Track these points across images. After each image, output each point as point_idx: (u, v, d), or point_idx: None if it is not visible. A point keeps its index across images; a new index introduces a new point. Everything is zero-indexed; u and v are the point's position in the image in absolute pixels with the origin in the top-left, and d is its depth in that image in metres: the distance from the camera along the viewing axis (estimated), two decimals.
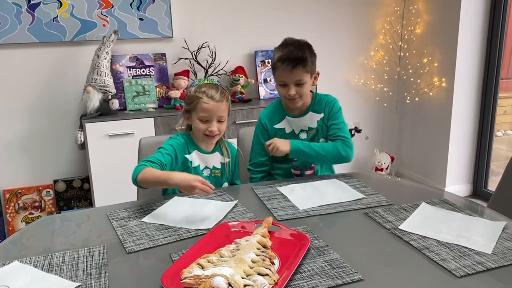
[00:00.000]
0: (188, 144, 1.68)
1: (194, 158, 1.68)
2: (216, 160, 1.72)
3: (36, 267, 1.14)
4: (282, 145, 1.71)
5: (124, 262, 1.18)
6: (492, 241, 1.22)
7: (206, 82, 1.66)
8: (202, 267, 1.03)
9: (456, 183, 3.47)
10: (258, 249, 1.12)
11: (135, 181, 1.49)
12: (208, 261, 1.05)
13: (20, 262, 1.16)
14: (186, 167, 1.66)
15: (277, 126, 1.86)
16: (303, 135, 1.85)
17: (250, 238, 1.17)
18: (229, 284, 0.94)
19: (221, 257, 1.08)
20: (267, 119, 1.87)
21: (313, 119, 1.84)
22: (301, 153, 1.74)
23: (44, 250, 1.25)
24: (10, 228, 2.92)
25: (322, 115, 1.85)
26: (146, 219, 1.42)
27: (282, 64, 1.70)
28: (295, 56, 1.69)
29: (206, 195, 1.52)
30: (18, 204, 2.93)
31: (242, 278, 0.98)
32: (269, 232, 1.25)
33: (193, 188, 1.39)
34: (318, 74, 1.83)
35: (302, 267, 1.11)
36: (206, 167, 1.71)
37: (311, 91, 1.86)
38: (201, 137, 1.66)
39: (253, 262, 1.05)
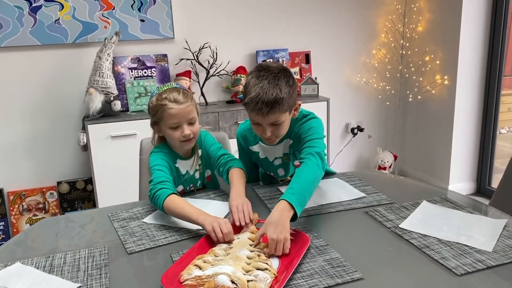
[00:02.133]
0: (170, 154, 1.63)
1: (180, 166, 1.65)
2: (196, 158, 1.69)
3: (37, 268, 1.15)
4: (280, 231, 1.18)
5: (125, 263, 1.18)
6: (493, 239, 1.21)
7: (165, 88, 1.57)
8: (200, 268, 1.03)
9: (460, 181, 3.46)
10: (250, 245, 1.12)
11: (162, 209, 1.42)
12: (204, 262, 1.06)
13: (22, 263, 1.17)
14: (178, 175, 1.64)
15: (252, 148, 1.71)
16: (278, 161, 1.69)
17: (240, 236, 1.17)
18: (232, 281, 0.95)
19: (216, 256, 1.09)
20: (242, 138, 1.72)
21: (287, 145, 1.65)
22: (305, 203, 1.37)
23: (48, 251, 1.26)
24: (15, 230, 2.93)
25: (292, 141, 1.64)
26: (147, 219, 1.43)
27: (253, 107, 1.42)
28: (269, 99, 1.40)
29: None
30: (22, 205, 2.95)
31: (243, 274, 0.98)
32: None
33: (211, 230, 1.25)
34: (299, 105, 1.56)
35: (302, 266, 1.11)
36: (196, 170, 1.69)
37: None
38: (177, 144, 1.60)
39: (248, 258, 1.06)
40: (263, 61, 3.28)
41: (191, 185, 1.71)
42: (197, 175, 1.70)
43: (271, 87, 1.41)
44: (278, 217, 1.22)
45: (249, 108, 1.46)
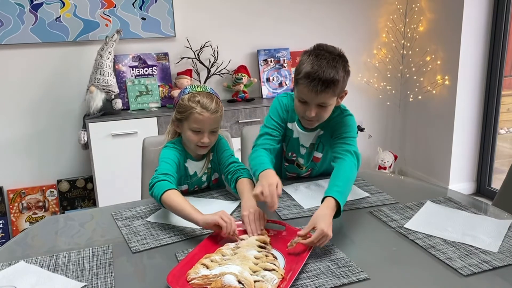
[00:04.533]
0: (182, 153, 1.62)
1: (189, 166, 1.64)
2: (207, 161, 1.69)
3: (41, 267, 1.15)
4: (329, 228, 1.20)
5: (130, 262, 1.18)
6: (498, 239, 1.21)
7: (200, 90, 1.55)
8: (207, 267, 1.03)
9: (460, 181, 3.46)
10: (258, 246, 1.12)
11: (159, 200, 1.40)
12: (212, 261, 1.05)
13: (26, 262, 1.17)
14: (186, 174, 1.64)
15: (289, 125, 1.67)
16: (303, 150, 1.69)
17: (247, 236, 1.17)
18: (239, 281, 0.94)
19: (223, 256, 1.08)
20: (285, 109, 1.64)
21: (316, 136, 1.65)
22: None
23: (49, 250, 1.25)
24: (14, 228, 2.92)
25: (322, 132, 1.63)
26: (151, 218, 1.42)
27: (308, 83, 1.40)
28: (326, 78, 1.39)
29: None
30: (22, 204, 2.94)
31: (250, 274, 0.98)
32: (275, 231, 1.25)
33: (217, 225, 1.26)
34: (345, 93, 1.54)
35: (308, 266, 1.10)
36: (204, 173, 1.68)
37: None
38: (192, 147, 1.59)
39: (256, 258, 1.05)
40: (263, 59, 3.28)
41: (196, 186, 1.70)
42: (204, 178, 1.69)
43: (330, 67, 1.40)
44: (328, 213, 1.24)
45: (302, 84, 1.43)
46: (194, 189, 1.69)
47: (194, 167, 1.65)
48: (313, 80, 1.39)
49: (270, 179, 1.33)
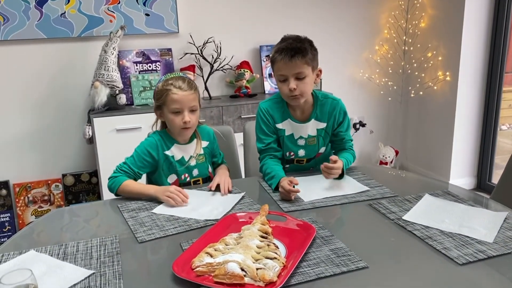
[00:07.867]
0: (165, 140, 1.69)
1: (175, 152, 1.69)
2: (197, 147, 1.74)
3: (51, 255, 1.18)
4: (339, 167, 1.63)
5: (136, 251, 1.22)
6: (494, 230, 1.24)
7: (172, 75, 1.67)
8: (211, 256, 1.06)
9: (461, 176, 3.49)
10: (260, 236, 1.16)
11: (115, 193, 1.61)
12: (216, 250, 1.09)
13: (36, 251, 1.20)
14: (169, 162, 1.68)
15: (278, 125, 1.78)
16: (301, 142, 1.79)
17: (250, 227, 1.20)
18: (242, 269, 0.98)
19: (226, 245, 1.12)
20: (269, 115, 1.78)
21: (314, 127, 1.78)
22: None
23: (55, 243, 1.27)
24: (20, 221, 2.97)
25: (324, 124, 1.78)
26: (156, 210, 1.46)
27: (280, 55, 1.63)
28: (293, 47, 1.62)
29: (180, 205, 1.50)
30: (28, 197, 2.99)
31: (253, 263, 1.02)
32: (276, 222, 1.29)
33: (167, 197, 1.51)
34: (320, 71, 1.73)
35: (309, 255, 1.14)
36: (191, 157, 1.73)
37: (312, 93, 1.77)
38: (177, 131, 1.66)
39: (258, 247, 1.09)
40: (266, 55, 3.30)
41: (186, 175, 1.73)
42: (192, 162, 1.73)
43: (295, 42, 1.65)
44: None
45: (276, 60, 1.65)
46: (185, 179, 1.73)
47: (182, 150, 1.70)
48: (283, 50, 1.63)
49: (284, 186, 1.54)
